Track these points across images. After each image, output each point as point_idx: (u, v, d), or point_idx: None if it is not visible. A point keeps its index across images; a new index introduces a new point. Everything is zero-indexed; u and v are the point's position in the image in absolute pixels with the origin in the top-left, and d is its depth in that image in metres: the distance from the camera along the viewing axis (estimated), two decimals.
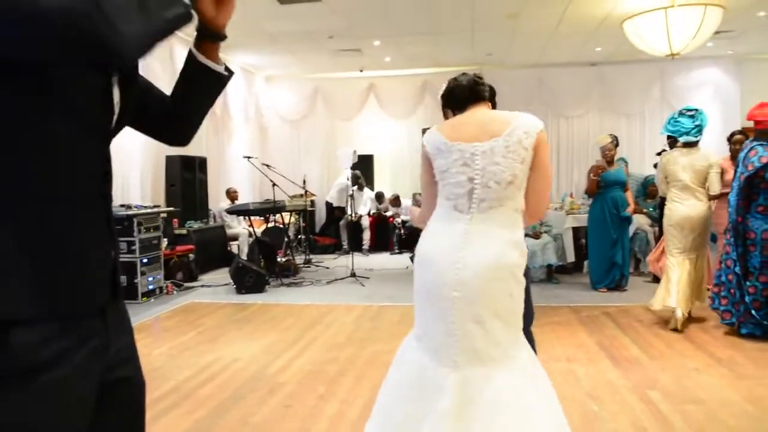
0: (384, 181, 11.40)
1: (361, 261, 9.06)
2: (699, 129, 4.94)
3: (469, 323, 1.93)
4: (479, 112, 2.15)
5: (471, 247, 1.95)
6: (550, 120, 10.92)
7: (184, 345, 4.68)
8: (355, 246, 10.22)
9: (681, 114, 5.07)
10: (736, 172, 4.67)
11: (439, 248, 2.01)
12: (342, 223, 10.44)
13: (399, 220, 10.41)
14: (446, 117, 2.36)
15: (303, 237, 9.69)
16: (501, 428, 1.86)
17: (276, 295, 6.65)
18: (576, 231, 7.62)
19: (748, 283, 4.34)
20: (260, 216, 8.88)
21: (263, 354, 4.43)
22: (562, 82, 10.73)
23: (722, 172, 6.05)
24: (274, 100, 11.41)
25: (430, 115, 11.06)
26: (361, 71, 10.89)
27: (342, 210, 10.31)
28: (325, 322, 5.42)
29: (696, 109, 5.04)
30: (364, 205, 10.45)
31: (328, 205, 10.88)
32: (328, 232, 10.83)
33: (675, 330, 4.72)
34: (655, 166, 6.82)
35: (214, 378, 3.89)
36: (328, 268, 8.61)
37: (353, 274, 7.53)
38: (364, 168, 10.39)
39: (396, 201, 10.51)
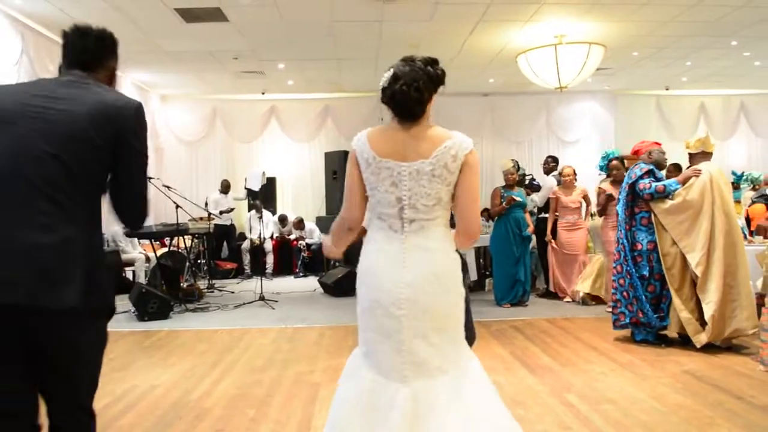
0: (286, 204, 11.31)
1: (265, 285, 8.87)
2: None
3: (416, 339, 1.99)
4: (418, 127, 2.04)
5: (410, 265, 1.99)
6: None
7: None
8: (258, 270, 10.06)
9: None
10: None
11: (380, 268, 2.03)
12: (244, 246, 10.22)
13: (303, 243, 10.35)
14: None
15: (203, 261, 9.37)
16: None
17: (182, 321, 6.37)
18: (477, 250, 8.01)
19: (644, 293, 4.79)
20: (160, 239, 8.51)
21: (183, 379, 4.25)
22: (457, 111, 11.24)
23: (601, 193, 6.69)
24: (170, 120, 11.01)
25: (332, 139, 11.21)
26: (263, 93, 10.81)
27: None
28: (241, 345, 5.28)
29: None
30: (266, 229, 10.28)
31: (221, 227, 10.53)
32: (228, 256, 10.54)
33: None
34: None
35: (134, 406, 3.68)
36: (232, 292, 8.37)
37: (262, 298, 7.38)
38: (265, 190, 10.25)
39: (300, 224, 10.45)
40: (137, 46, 7.90)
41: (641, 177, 4.83)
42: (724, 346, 4.72)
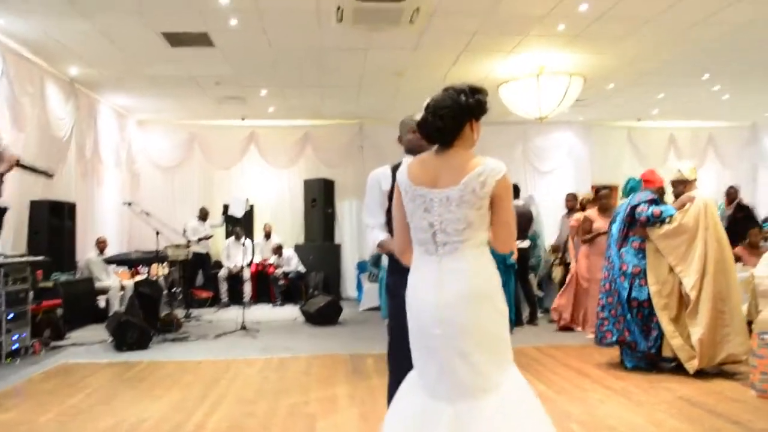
0: (263, 231, 11.14)
1: (242, 313, 8.70)
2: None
3: (454, 358, 2.03)
4: (450, 155, 2.11)
5: (446, 286, 2.05)
6: None
7: (76, 408, 4.17)
8: (236, 298, 9.87)
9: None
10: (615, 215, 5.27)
11: (419, 291, 2.12)
12: (221, 274, 10.02)
13: (280, 271, 10.19)
14: None
15: (179, 290, 9.14)
16: None
17: (163, 352, 6.16)
18: None
19: (634, 309, 4.84)
20: (135, 266, 8.30)
21: (172, 412, 4.08)
22: None
23: (591, 222, 6.81)
24: (147, 145, 10.83)
25: (312, 166, 11.17)
26: (243, 119, 10.75)
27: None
28: (228, 376, 5.12)
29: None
30: (245, 256, 10.10)
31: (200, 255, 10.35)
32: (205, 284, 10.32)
33: None
34: None
35: None
36: (210, 321, 8.17)
37: (244, 327, 7.21)
38: (244, 217, 10.10)
39: (278, 250, 10.31)
40: (119, 69, 7.82)
41: (644, 203, 4.90)
42: (714, 371, 4.78)
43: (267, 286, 10.29)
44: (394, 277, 2.86)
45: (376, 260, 9.36)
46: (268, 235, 10.68)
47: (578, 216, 7.27)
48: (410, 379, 2.20)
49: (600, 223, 6.77)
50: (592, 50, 7.36)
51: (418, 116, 2.65)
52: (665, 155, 11.65)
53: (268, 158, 11.15)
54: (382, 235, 2.82)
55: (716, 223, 4.80)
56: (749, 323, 4.81)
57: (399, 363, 2.76)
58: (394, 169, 2.88)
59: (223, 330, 7.29)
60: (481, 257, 2.11)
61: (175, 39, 6.66)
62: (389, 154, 11.08)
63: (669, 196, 5.28)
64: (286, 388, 4.71)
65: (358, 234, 11.26)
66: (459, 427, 1.99)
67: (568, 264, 7.59)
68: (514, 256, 7.09)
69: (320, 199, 10.77)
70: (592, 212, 7.02)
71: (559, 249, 8.33)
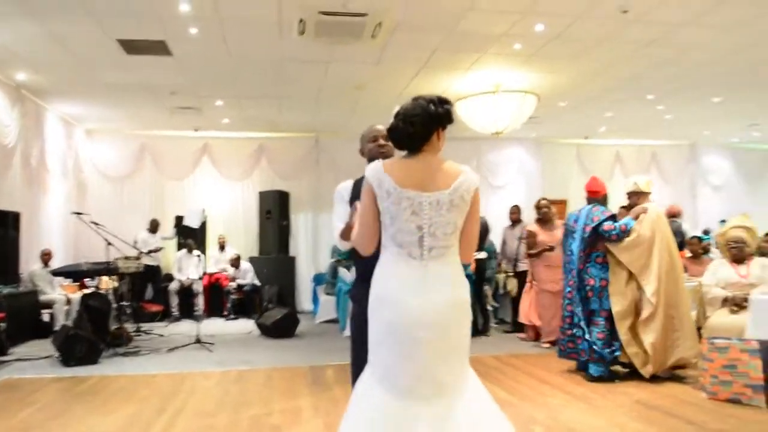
0: (217, 243, 10.93)
1: (196, 328, 8.48)
2: None
3: (437, 359, 2.09)
4: (429, 160, 2.19)
5: (431, 290, 2.10)
6: None
7: (25, 424, 3.98)
8: (187, 312, 9.63)
9: None
10: (566, 232, 5.38)
11: (401, 292, 2.11)
12: (172, 288, 9.75)
13: (233, 284, 10.00)
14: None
15: (127, 304, 8.82)
16: None
17: (114, 366, 5.94)
18: None
19: (597, 328, 4.95)
20: (81, 279, 8.00)
21: (129, 427, 3.94)
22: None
23: (534, 235, 6.99)
24: (95, 155, 10.50)
25: (267, 178, 11.06)
26: (196, 130, 10.57)
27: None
28: (185, 389, 4.98)
29: None
30: (196, 268, 9.89)
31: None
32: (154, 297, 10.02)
33: None
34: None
35: None
36: (162, 335, 7.92)
37: (198, 340, 7.03)
38: (195, 229, 9.89)
39: (236, 261, 10.13)
40: (70, 76, 7.58)
41: (605, 220, 5.01)
42: (665, 376, 4.96)
43: (220, 299, 10.07)
44: (361, 286, 2.81)
45: (333, 271, 9.33)
46: (222, 247, 10.49)
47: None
48: (366, 385, 2.14)
49: (543, 236, 6.96)
50: (547, 69, 7.61)
51: (379, 126, 2.80)
52: (612, 171, 12.08)
53: (221, 170, 10.98)
54: (341, 225, 2.77)
55: (667, 233, 5.01)
56: (698, 329, 5.02)
57: (361, 358, 2.86)
58: (357, 183, 2.91)
59: (176, 344, 7.08)
60: (459, 265, 2.21)
61: (131, 46, 6.51)
62: (345, 168, 11.19)
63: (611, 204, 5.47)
64: (247, 400, 4.62)
65: (314, 247, 11.21)
66: (439, 425, 2.04)
67: (521, 273, 7.71)
68: (472, 267, 7.21)
69: (275, 211, 10.67)
70: (533, 225, 7.20)
71: (510, 260, 8.47)
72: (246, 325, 8.79)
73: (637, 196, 5.23)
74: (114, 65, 7.11)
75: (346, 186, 2.99)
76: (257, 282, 10.02)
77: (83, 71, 7.36)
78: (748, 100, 9.16)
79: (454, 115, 2.23)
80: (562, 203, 11.17)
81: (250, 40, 6.53)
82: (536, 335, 7.13)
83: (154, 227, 9.95)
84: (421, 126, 2.16)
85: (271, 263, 10.44)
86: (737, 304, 4.72)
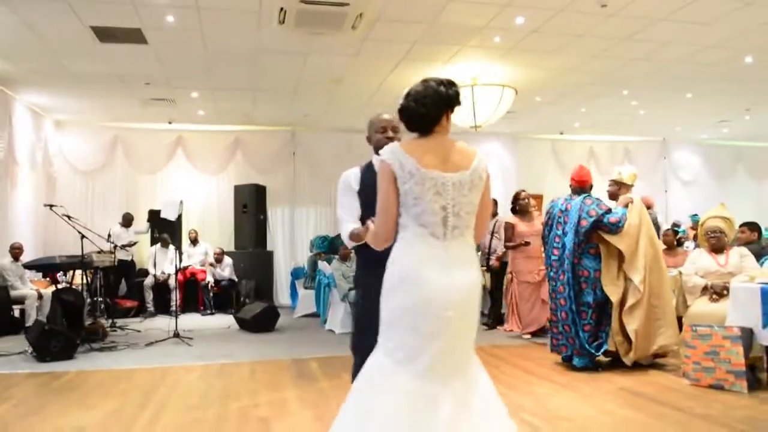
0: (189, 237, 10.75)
1: (172, 323, 8.34)
2: None
3: (457, 339, 2.11)
4: (443, 141, 2.19)
5: (455, 270, 2.10)
6: None
7: (3, 420, 3.85)
8: (162, 308, 9.46)
9: None
10: (550, 223, 5.40)
11: (425, 272, 2.08)
12: (146, 283, 9.56)
13: (210, 278, 9.84)
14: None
15: (101, 299, 8.63)
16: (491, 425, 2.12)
17: (90, 361, 5.79)
18: None
19: (583, 321, 4.99)
20: (53, 273, 7.78)
21: (111, 420, 3.85)
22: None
23: (513, 227, 7.05)
24: (64, 147, 10.22)
25: (242, 172, 10.92)
26: (170, 123, 10.37)
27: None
28: (167, 384, 4.88)
29: None
30: (170, 264, 9.71)
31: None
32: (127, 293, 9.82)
33: None
34: None
35: None
36: (138, 331, 7.76)
37: (177, 335, 6.91)
38: (170, 223, 9.69)
39: (220, 256, 9.96)
40: (40, 64, 7.35)
41: (605, 213, 5.00)
42: (647, 363, 5.05)
43: (196, 294, 9.91)
44: (366, 269, 2.91)
45: (313, 265, 9.26)
46: (194, 242, 10.30)
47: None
48: (382, 368, 2.09)
49: (523, 227, 7.02)
50: (525, 63, 7.65)
51: (387, 116, 2.89)
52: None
53: (196, 163, 10.80)
54: (352, 225, 2.81)
55: (649, 223, 5.09)
56: (679, 318, 5.12)
57: (369, 343, 2.85)
58: (364, 169, 2.95)
59: (153, 338, 6.94)
60: (474, 245, 2.23)
61: (105, 34, 6.34)
62: (322, 161, 11.16)
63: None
64: (232, 393, 4.55)
65: (291, 241, 11.12)
66: (461, 406, 2.05)
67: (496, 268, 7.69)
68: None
69: (252, 205, 10.53)
70: (512, 217, 7.26)
71: (483, 255, 8.48)
72: (224, 320, 8.68)
73: (618, 186, 5.30)
74: (86, 53, 6.91)
75: (354, 173, 2.94)
76: (234, 277, 9.89)
77: (54, 59, 7.14)
78: (719, 96, 9.36)
79: (461, 97, 2.23)
80: (538, 198, 11.27)
81: (228, 30, 6.41)
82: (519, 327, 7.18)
83: (127, 221, 9.75)
84: (433, 107, 2.17)
85: (248, 258, 10.31)
86: (717, 292, 4.81)
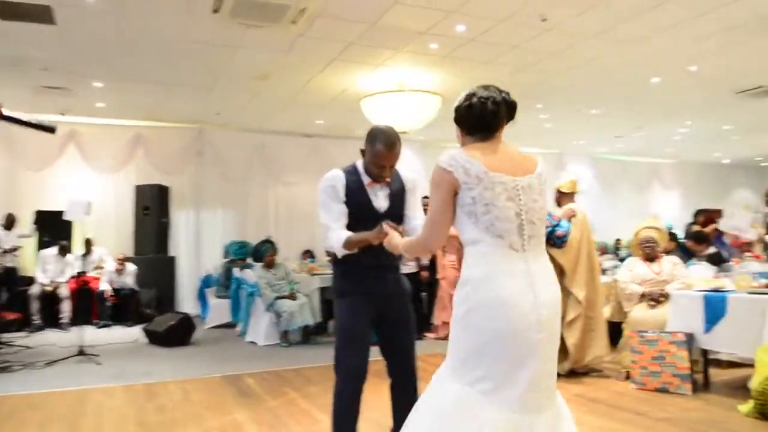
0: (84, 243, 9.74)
1: (66, 337, 7.50)
2: None
3: (548, 363, 1.94)
4: (504, 145, 2.08)
5: (539, 286, 1.93)
6: (270, 184, 11.06)
7: None
8: (50, 320, 8.48)
9: None
10: None
11: (512, 291, 1.88)
12: (32, 292, 8.51)
13: (107, 287, 8.94)
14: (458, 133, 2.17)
15: None
16: None
17: None
18: (321, 291, 7.71)
19: None
20: None
21: None
22: (282, 150, 11.03)
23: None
24: None
25: (144, 171, 10.10)
26: (63, 115, 9.34)
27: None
28: (90, 411, 4.31)
29: None
30: (62, 273, 8.75)
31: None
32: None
33: None
34: None
35: None
36: (28, 347, 6.85)
37: (82, 352, 6.16)
38: (57, 226, 8.69)
39: (123, 263, 9.07)
40: None
41: (555, 226, 4.99)
42: (583, 371, 5.19)
43: (89, 304, 8.97)
44: (344, 279, 2.79)
45: (227, 272, 8.73)
46: (88, 249, 9.34)
47: None
48: (465, 401, 1.86)
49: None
50: (454, 72, 7.71)
51: (386, 150, 2.66)
52: None
53: (90, 161, 9.84)
54: (343, 232, 2.66)
55: (589, 234, 5.24)
56: (617, 324, 5.33)
57: (350, 365, 2.71)
58: (347, 171, 2.77)
59: (52, 357, 6.15)
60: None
61: (10, 10, 5.54)
62: (232, 162, 10.61)
63: None
64: (174, 419, 4.08)
65: (196, 246, 10.44)
66: None
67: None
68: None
69: (154, 207, 9.77)
70: None
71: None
72: (126, 333, 7.94)
73: (558, 194, 5.42)
74: None
75: (337, 177, 2.76)
76: (135, 286, 9.09)
77: None
78: (621, 113, 10.02)
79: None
80: None
81: (152, 15, 5.84)
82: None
83: (9, 223, 8.66)
84: (505, 110, 2.06)
85: (149, 264, 9.55)
86: (654, 299, 5.05)
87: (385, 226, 2.43)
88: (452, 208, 1.97)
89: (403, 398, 2.75)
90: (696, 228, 10.60)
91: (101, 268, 9.18)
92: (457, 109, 2.11)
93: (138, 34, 6.30)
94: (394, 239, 2.33)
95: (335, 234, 2.66)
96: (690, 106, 9.64)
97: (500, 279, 1.89)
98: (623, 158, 14.15)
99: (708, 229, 8.19)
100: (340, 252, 2.68)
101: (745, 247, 9.00)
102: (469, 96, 2.07)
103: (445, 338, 6.66)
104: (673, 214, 13.44)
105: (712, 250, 6.77)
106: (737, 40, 6.67)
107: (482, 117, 2.03)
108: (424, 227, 2.05)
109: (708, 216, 9.28)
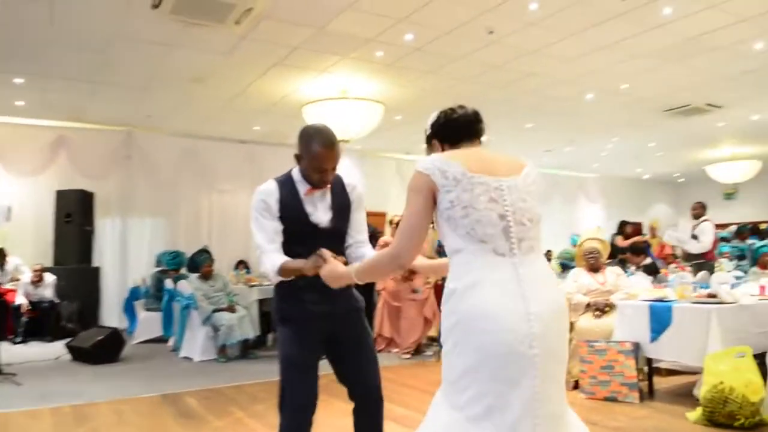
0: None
1: None
2: None
3: (548, 382, 1.73)
4: (483, 150, 1.97)
5: (531, 295, 1.74)
6: (203, 192, 10.64)
7: None
8: None
9: None
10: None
11: (498, 302, 1.71)
12: None
13: (23, 300, 8.28)
14: (433, 150, 2.06)
15: None
16: None
17: None
18: (260, 303, 7.45)
19: None
20: None
21: None
22: (215, 156, 10.64)
23: (387, 244, 7.02)
24: None
25: (66, 176, 9.46)
26: None
27: None
28: None
29: None
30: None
31: None
32: None
33: None
34: None
35: None
36: None
37: (1, 372, 5.63)
38: None
39: (40, 274, 8.40)
40: None
41: None
42: None
43: (4, 319, 8.26)
44: (284, 303, 2.46)
45: (158, 284, 8.29)
46: (2, 258, 8.65)
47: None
48: (455, 422, 1.71)
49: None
50: (397, 81, 7.70)
51: (327, 154, 2.36)
52: None
53: (6, 164, 9.11)
54: (278, 256, 2.35)
55: None
56: None
57: (296, 404, 2.39)
58: (281, 182, 2.45)
59: None
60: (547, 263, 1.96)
61: None
62: (162, 167, 10.13)
63: None
64: None
65: (122, 256, 9.86)
66: None
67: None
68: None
69: (77, 214, 9.16)
70: (389, 237, 7.22)
71: None
72: (47, 350, 7.35)
73: None
74: None
75: (270, 191, 2.42)
76: (56, 298, 8.47)
77: None
78: (554, 128, 10.33)
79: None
80: (381, 216, 11.39)
81: (87, 8, 5.48)
82: (388, 345, 7.07)
83: None
84: (479, 120, 2.06)
85: (70, 275, 8.93)
86: (599, 309, 5.16)
87: (324, 253, 2.16)
88: (430, 215, 1.84)
89: (369, 423, 2.52)
90: (619, 239, 11.12)
91: (17, 279, 8.49)
92: (437, 123, 2.07)
93: (70, 27, 5.88)
94: (337, 269, 2.08)
95: (269, 259, 2.35)
96: (619, 123, 10.06)
97: (484, 288, 1.73)
98: (553, 172, 14.59)
99: (638, 239, 8.53)
100: (275, 279, 2.39)
101: (669, 258, 9.49)
102: (449, 109, 2.05)
103: (380, 351, 6.59)
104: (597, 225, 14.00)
105: (648, 261, 7.04)
106: (668, 60, 7.01)
107: (468, 124, 2.02)
108: (397, 237, 1.86)
109: (634, 228, 9.71)
